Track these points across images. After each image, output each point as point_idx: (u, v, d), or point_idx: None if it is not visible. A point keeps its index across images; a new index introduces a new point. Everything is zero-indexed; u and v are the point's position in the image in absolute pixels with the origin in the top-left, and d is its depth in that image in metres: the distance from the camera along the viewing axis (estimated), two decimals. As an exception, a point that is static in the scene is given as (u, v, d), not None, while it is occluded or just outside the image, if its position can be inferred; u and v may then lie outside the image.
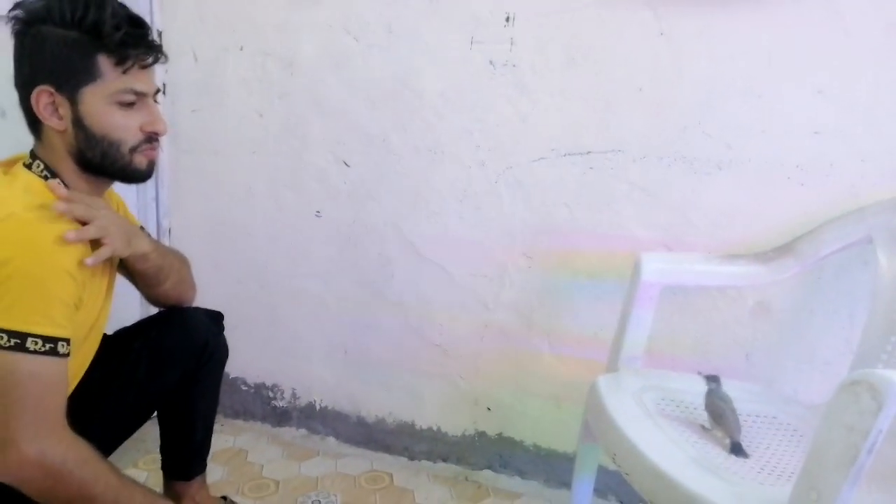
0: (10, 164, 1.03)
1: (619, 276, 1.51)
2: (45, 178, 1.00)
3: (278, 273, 1.82)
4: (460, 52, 1.54)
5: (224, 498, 1.43)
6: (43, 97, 0.97)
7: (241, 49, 1.71)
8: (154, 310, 1.30)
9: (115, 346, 1.20)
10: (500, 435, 1.72)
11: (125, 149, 1.01)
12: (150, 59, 1.01)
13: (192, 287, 1.29)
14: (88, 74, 0.96)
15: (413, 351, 1.74)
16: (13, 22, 0.96)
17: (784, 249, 1.35)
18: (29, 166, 1.01)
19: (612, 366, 1.33)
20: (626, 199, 1.50)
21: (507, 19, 1.50)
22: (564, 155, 1.52)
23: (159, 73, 1.74)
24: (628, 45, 1.43)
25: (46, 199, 0.96)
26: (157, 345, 1.20)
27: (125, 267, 1.16)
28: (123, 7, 0.99)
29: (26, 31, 0.96)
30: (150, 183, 1.80)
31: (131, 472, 1.63)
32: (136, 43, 0.97)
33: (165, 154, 1.82)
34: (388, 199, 1.67)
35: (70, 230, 0.92)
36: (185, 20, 1.74)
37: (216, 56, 1.74)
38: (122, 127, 1.00)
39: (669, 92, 1.43)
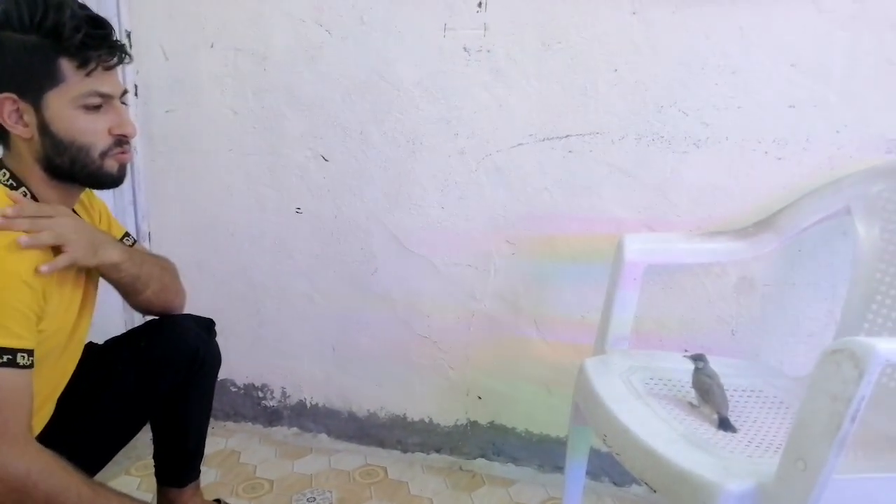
0: None
1: (602, 258, 1.50)
2: (11, 186, 0.98)
3: (263, 272, 1.80)
4: (434, 39, 1.53)
5: (217, 501, 1.43)
6: (7, 105, 0.94)
7: (212, 46, 1.69)
8: (139, 319, 1.28)
9: (103, 357, 1.18)
10: (492, 423, 1.72)
11: (95, 153, 0.99)
12: (114, 60, 0.98)
13: (179, 294, 1.26)
14: (51, 79, 0.94)
15: (402, 344, 1.74)
16: None
17: (764, 224, 1.36)
18: None
19: (600, 348, 1.34)
20: (606, 182, 1.50)
21: (480, 5, 1.49)
22: (543, 140, 1.52)
23: (130, 74, 1.73)
24: (602, 25, 1.43)
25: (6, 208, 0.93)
26: (147, 354, 1.18)
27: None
28: (84, 8, 0.97)
29: None
30: (126, 187, 1.79)
31: (123, 478, 1.62)
32: (97, 44, 0.95)
33: (141, 156, 1.80)
34: (369, 192, 1.66)
35: (24, 236, 0.90)
36: (153, 18, 1.71)
37: (187, 54, 1.72)
38: (89, 131, 0.98)
39: (645, 72, 1.43)
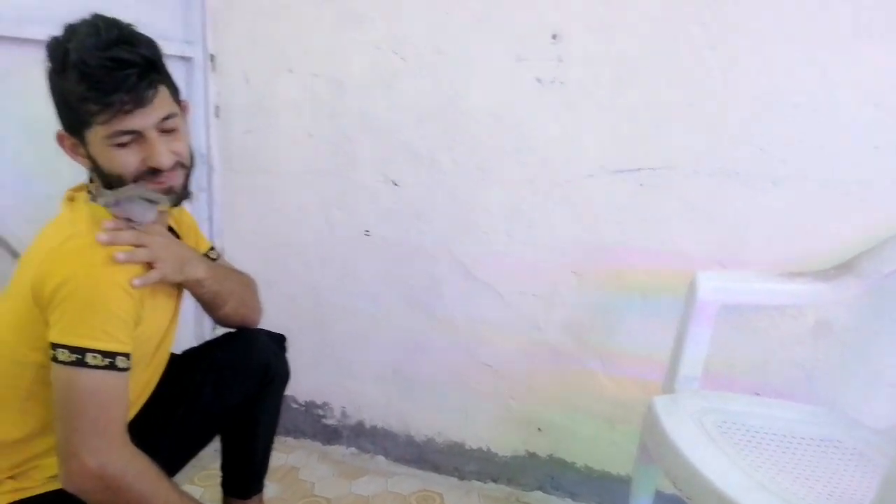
0: (77, 190, 1.07)
1: (672, 294, 1.49)
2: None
3: (329, 292, 1.83)
4: (507, 70, 1.54)
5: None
6: (65, 139, 1.00)
7: (291, 71, 1.74)
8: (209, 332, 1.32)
9: (181, 367, 1.23)
10: (551, 456, 1.70)
11: (127, 181, 0.99)
12: (132, 106, 0.94)
13: (256, 310, 1.31)
14: (82, 121, 0.95)
15: (463, 370, 1.74)
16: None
17: (846, 267, 1.31)
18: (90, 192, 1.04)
19: (669, 387, 1.31)
20: (678, 216, 1.48)
21: (554, 37, 1.50)
22: (614, 172, 1.51)
23: (212, 95, 1.80)
24: (678, 60, 1.42)
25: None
26: (222, 366, 1.22)
27: None
28: (108, 41, 0.93)
29: (47, 72, 0.97)
30: (202, 203, 1.85)
31: (187, 488, 1.65)
32: (113, 89, 0.92)
33: (218, 174, 1.86)
34: (437, 218, 1.68)
35: (120, 252, 0.95)
36: (237, 44, 1.78)
37: (267, 78, 1.77)
38: (121, 164, 0.98)
39: (721, 107, 1.40)
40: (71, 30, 0.94)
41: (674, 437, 1.11)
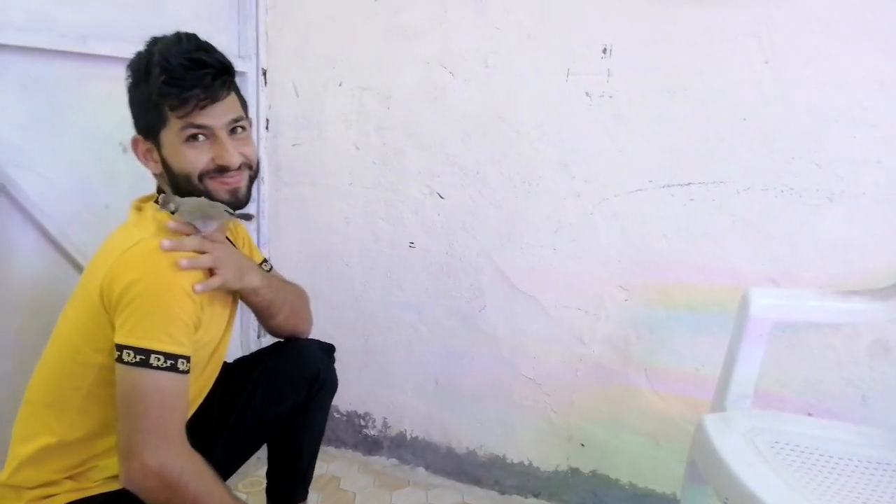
0: (145, 200, 1.11)
1: (721, 310, 1.47)
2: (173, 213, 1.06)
3: (373, 302, 1.85)
4: (556, 83, 1.55)
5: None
6: (139, 145, 1.07)
7: (340, 84, 1.77)
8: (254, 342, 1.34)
9: (233, 374, 1.25)
10: (594, 472, 1.68)
11: (195, 179, 1.04)
12: (207, 102, 1.02)
13: (307, 321, 1.33)
14: (159, 121, 1.02)
15: (505, 383, 1.73)
16: None
17: (904, 286, 1.28)
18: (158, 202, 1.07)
19: (719, 405, 1.28)
20: (729, 232, 1.45)
21: (604, 51, 1.50)
22: (663, 186, 1.49)
23: (263, 108, 1.84)
24: (731, 74, 1.40)
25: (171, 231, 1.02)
26: (273, 374, 1.24)
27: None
28: (188, 48, 1.02)
29: (127, 86, 1.06)
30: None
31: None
32: (191, 85, 1.00)
33: (266, 185, 1.90)
34: (482, 230, 1.68)
35: (184, 258, 0.98)
36: (288, 58, 1.82)
37: (316, 91, 1.81)
38: (192, 161, 1.03)
39: (775, 122, 1.39)
40: (154, 40, 1.04)
41: (726, 456, 1.09)
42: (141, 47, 1.05)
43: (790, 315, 1.31)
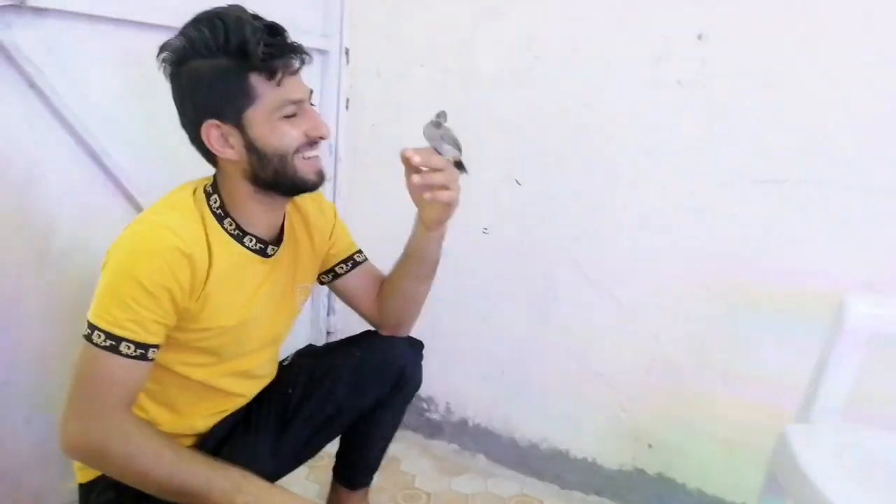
0: (200, 184, 1.06)
1: (811, 316, 1.37)
2: (219, 217, 1.03)
3: (443, 286, 1.81)
4: (646, 71, 1.48)
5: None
6: (212, 131, 0.97)
7: (422, 66, 1.76)
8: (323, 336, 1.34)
9: (320, 360, 1.27)
10: (660, 474, 1.62)
11: (289, 158, 0.99)
12: (297, 63, 0.98)
13: (414, 318, 1.33)
14: (247, 97, 0.95)
15: (573, 377, 1.69)
16: (164, 66, 0.97)
17: None
18: (208, 195, 1.03)
19: (804, 416, 1.21)
20: (824, 234, 1.37)
21: (699, 37, 1.43)
22: (755, 182, 1.42)
23: (344, 88, 1.84)
24: (835, 64, 1.31)
25: (191, 224, 0.98)
26: (360, 366, 1.24)
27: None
28: (258, 18, 0.96)
29: (178, 70, 0.96)
30: (328, 193, 1.90)
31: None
32: (280, 52, 0.95)
33: (344, 165, 1.91)
34: (559, 219, 1.64)
35: (416, 176, 1.08)
36: (371, 39, 1.81)
37: (398, 73, 1.80)
38: (287, 137, 0.98)
39: (884, 119, 1.29)
40: (197, 19, 0.95)
41: (810, 471, 1.02)
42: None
43: (891, 326, 1.21)
